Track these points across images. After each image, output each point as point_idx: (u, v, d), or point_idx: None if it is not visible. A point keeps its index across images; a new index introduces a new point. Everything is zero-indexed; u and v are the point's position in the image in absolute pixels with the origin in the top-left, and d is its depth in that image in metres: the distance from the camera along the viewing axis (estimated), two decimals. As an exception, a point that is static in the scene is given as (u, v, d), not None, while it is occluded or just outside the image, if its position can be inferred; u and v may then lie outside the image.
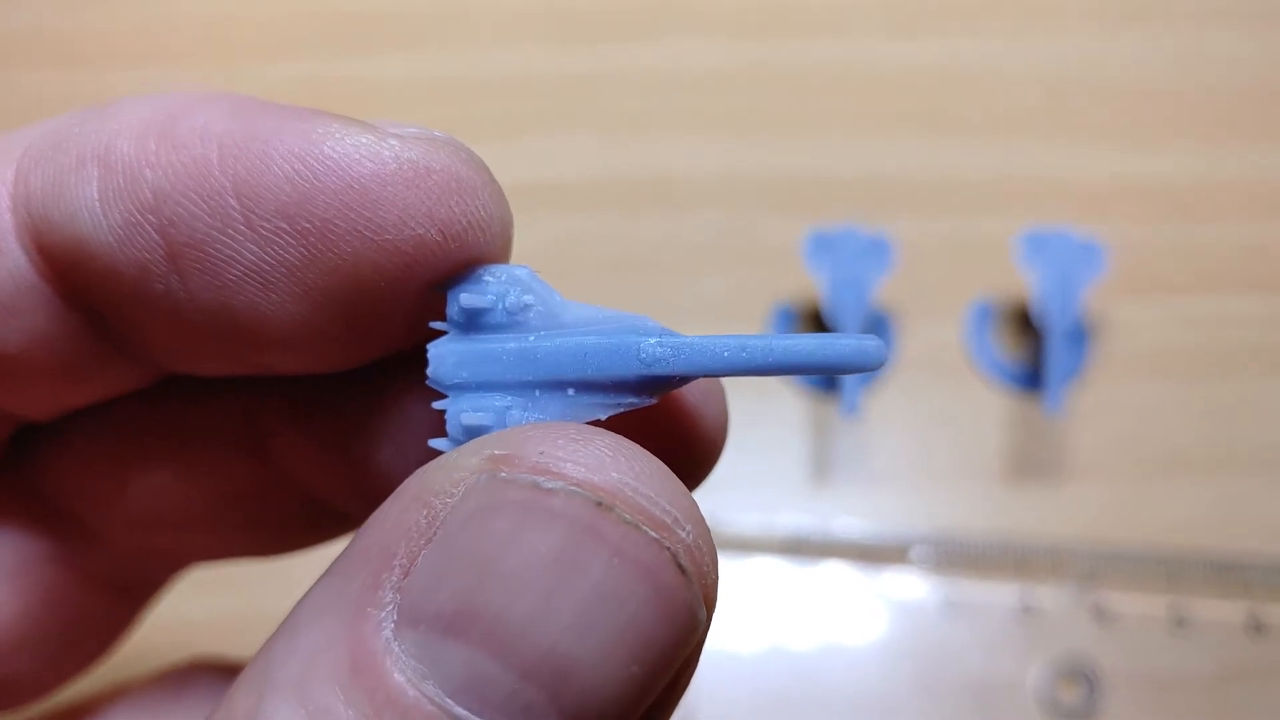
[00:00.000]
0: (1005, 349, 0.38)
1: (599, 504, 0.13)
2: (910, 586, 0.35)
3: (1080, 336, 0.38)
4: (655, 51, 0.43)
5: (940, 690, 0.34)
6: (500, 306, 0.15)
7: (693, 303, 0.39)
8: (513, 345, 0.15)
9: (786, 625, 0.34)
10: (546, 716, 0.13)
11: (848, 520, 0.36)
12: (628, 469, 0.13)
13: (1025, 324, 0.38)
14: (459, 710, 0.13)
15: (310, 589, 0.14)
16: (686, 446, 0.17)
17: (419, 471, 0.14)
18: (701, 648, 0.14)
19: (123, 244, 0.15)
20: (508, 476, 0.13)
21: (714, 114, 0.42)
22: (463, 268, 0.15)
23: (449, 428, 0.15)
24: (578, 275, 0.39)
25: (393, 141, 0.15)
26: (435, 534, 0.13)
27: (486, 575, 0.13)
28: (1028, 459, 0.37)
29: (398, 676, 0.13)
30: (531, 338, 0.15)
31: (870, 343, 0.15)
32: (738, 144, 0.41)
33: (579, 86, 0.42)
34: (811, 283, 0.37)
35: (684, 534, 0.13)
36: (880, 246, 0.36)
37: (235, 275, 0.15)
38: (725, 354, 0.15)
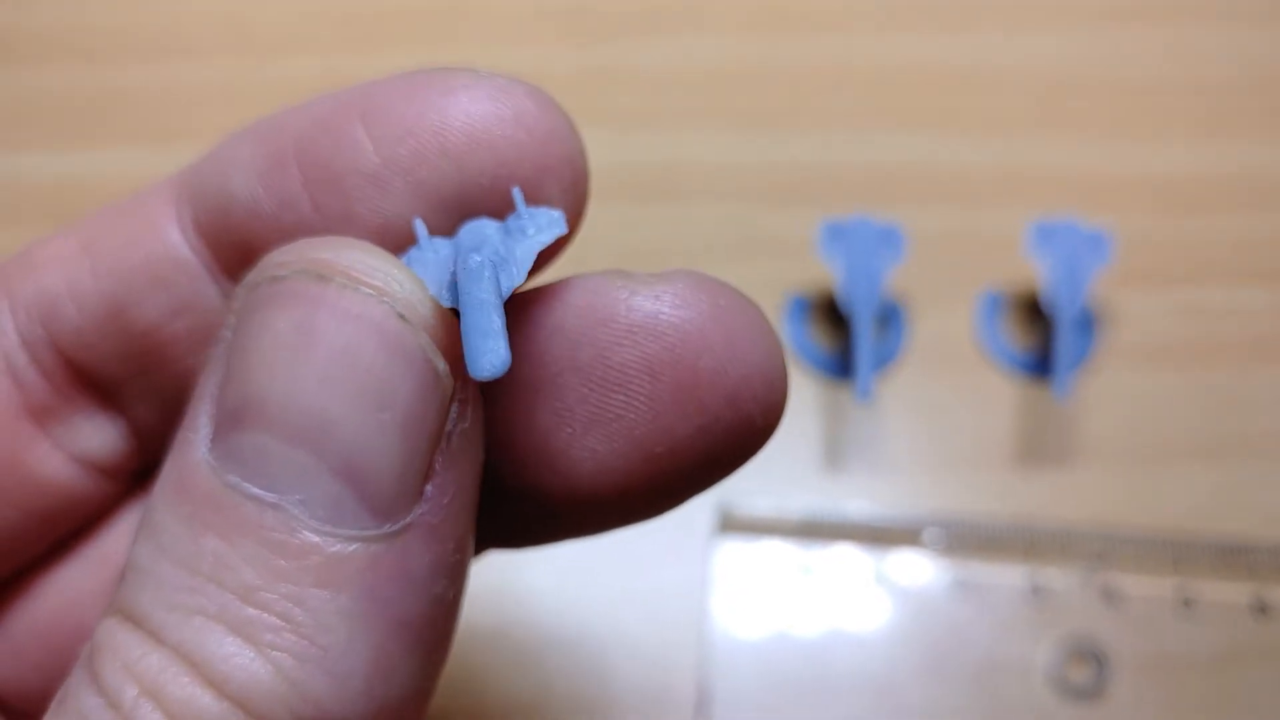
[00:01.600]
0: (1014, 337, 0.39)
1: (320, 276, 0.15)
2: (921, 569, 0.35)
3: (1088, 324, 0.39)
4: (665, 47, 0.43)
5: (950, 670, 0.34)
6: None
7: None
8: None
9: (798, 607, 0.35)
10: (319, 475, 0.14)
11: (860, 504, 0.36)
12: (347, 252, 0.15)
13: (1034, 313, 0.39)
14: (252, 489, 0.14)
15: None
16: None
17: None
18: (467, 412, 0.16)
19: (264, 184, 0.18)
20: (252, 281, 0.16)
21: (723, 108, 0.42)
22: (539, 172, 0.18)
23: None
24: (588, 267, 0.40)
25: (484, 73, 0.18)
26: (227, 353, 0.15)
27: (249, 364, 0.15)
28: (1037, 444, 0.37)
29: (206, 478, 0.15)
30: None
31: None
32: (747, 137, 0.42)
33: (589, 82, 0.43)
34: (824, 272, 0.38)
35: (399, 289, 0.15)
36: (892, 236, 0.37)
37: (356, 183, 0.17)
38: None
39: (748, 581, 0.35)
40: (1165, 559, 0.36)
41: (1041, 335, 0.39)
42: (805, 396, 0.38)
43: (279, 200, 0.17)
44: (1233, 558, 0.36)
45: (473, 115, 0.17)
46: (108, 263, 0.18)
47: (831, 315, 0.39)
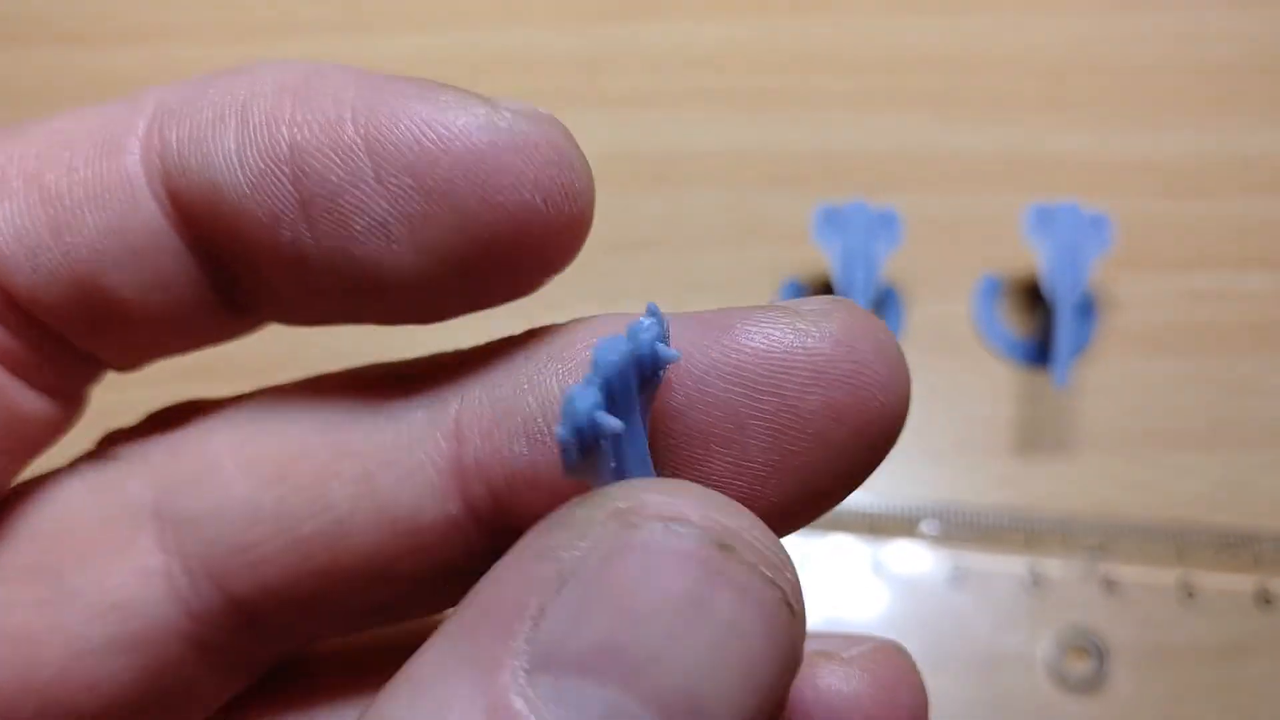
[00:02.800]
0: (1013, 323, 0.39)
1: (723, 546, 0.14)
2: (919, 559, 0.35)
3: (1088, 310, 0.38)
4: (662, 30, 0.43)
5: (948, 662, 0.34)
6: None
7: (700, 279, 0.39)
8: None
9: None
10: None
11: (857, 493, 0.36)
12: (740, 517, 0.14)
13: (1033, 298, 0.39)
14: None
15: (421, 651, 0.14)
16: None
17: (535, 531, 0.14)
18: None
19: (256, 190, 0.16)
20: (638, 523, 0.14)
21: (720, 92, 0.42)
22: (556, 234, 0.17)
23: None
24: (586, 252, 0.39)
25: (506, 114, 0.16)
26: (566, 583, 0.14)
27: (623, 616, 0.13)
28: (1036, 432, 0.37)
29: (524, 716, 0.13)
30: None
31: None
32: (744, 121, 0.41)
33: (586, 64, 0.42)
34: (820, 258, 0.37)
35: (790, 575, 0.14)
36: (889, 220, 0.37)
37: (361, 226, 0.16)
38: None
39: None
40: (1167, 549, 0.35)
41: (1041, 321, 0.38)
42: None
43: (270, 212, 0.17)
44: (1236, 548, 0.35)
45: (493, 180, 0.16)
46: (69, 219, 0.17)
47: (827, 301, 0.38)
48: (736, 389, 0.16)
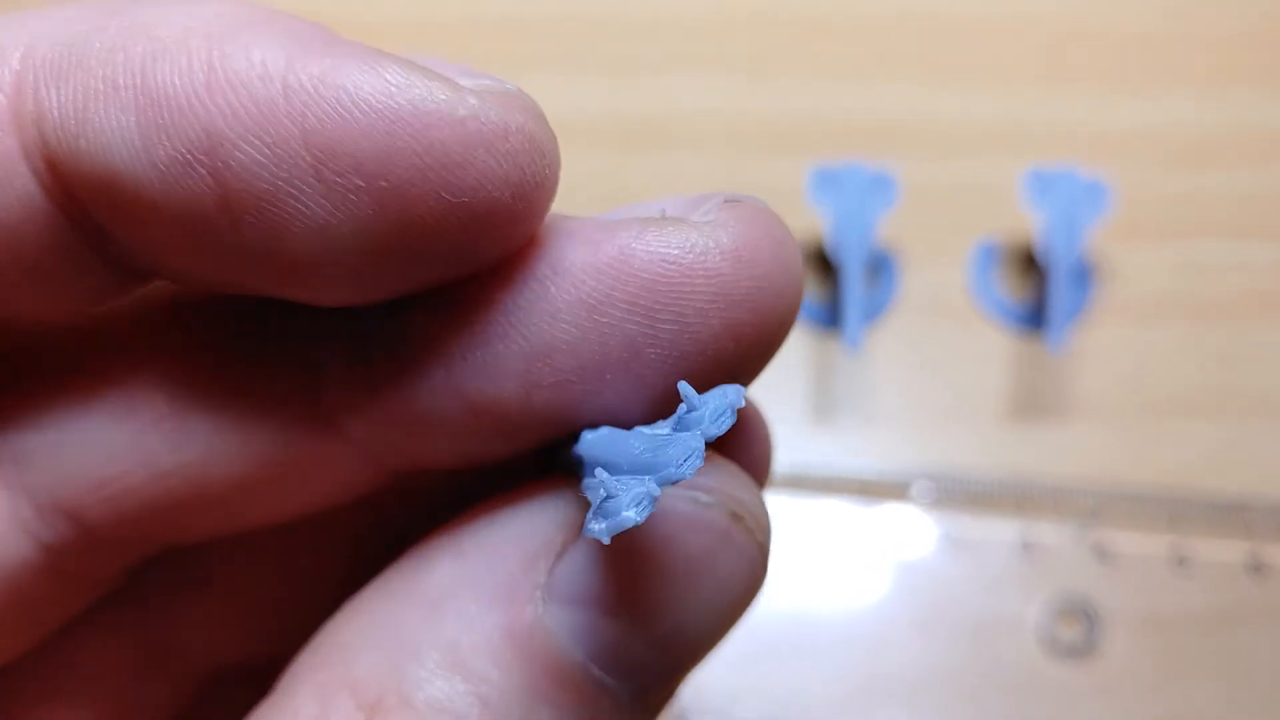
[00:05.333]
0: (1009, 288, 0.38)
1: (734, 515, 0.16)
2: (911, 524, 0.35)
3: (1084, 276, 0.38)
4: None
5: (940, 626, 0.34)
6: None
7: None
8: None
9: (787, 561, 0.34)
10: (657, 668, 0.16)
11: (848, 457, 0.36)
12: (747, 489, 0.16)
13: (1029, 264, 0.38)
14: (596, 671, 0.15)
15: (427, 568, 0.16)
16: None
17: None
18: None
19: (166, 182, 0.14)
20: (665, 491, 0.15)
21: (716, 55, 0.41)
22: (521, 221, 0.15)
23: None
24: (577, 215, 0.39)
25: (471, 100, 0.14)
26: (578, 543, 0.16)
27: (642, 569, 0.15)
28: (1030, 398, 0.37)
29: (551, 645, 0.15)
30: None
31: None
32: (740, 83, 0.41)
33: (581, 27, 0.42)
34: (815, 220, 0.37)
35: (769, 529, 0.16)
36: (884, 182, 0.36)
37: (297, 229, 0.14)
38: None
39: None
40: (1160, 516, 0.35)
41: (1036, 287, 0.38)
42: (793, 347, 0.37)
43: (186, 211, 0.14)
44: (1229, 515, 0.35)
45: (457, 179, 0.14)
46: None
47: (822, 264, 0.38)
48: (633, 318, 0.15)
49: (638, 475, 0.14)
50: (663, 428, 0.15)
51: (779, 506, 0.34)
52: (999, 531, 0.35)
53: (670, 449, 0.14)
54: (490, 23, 0.42)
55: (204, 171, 0.13)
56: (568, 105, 0.41)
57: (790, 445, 0.36)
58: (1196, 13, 0.42)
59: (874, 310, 0.37)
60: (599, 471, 0.14)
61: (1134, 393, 0.37)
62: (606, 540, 0.14)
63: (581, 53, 0.42)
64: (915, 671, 0.33)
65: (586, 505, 0.15)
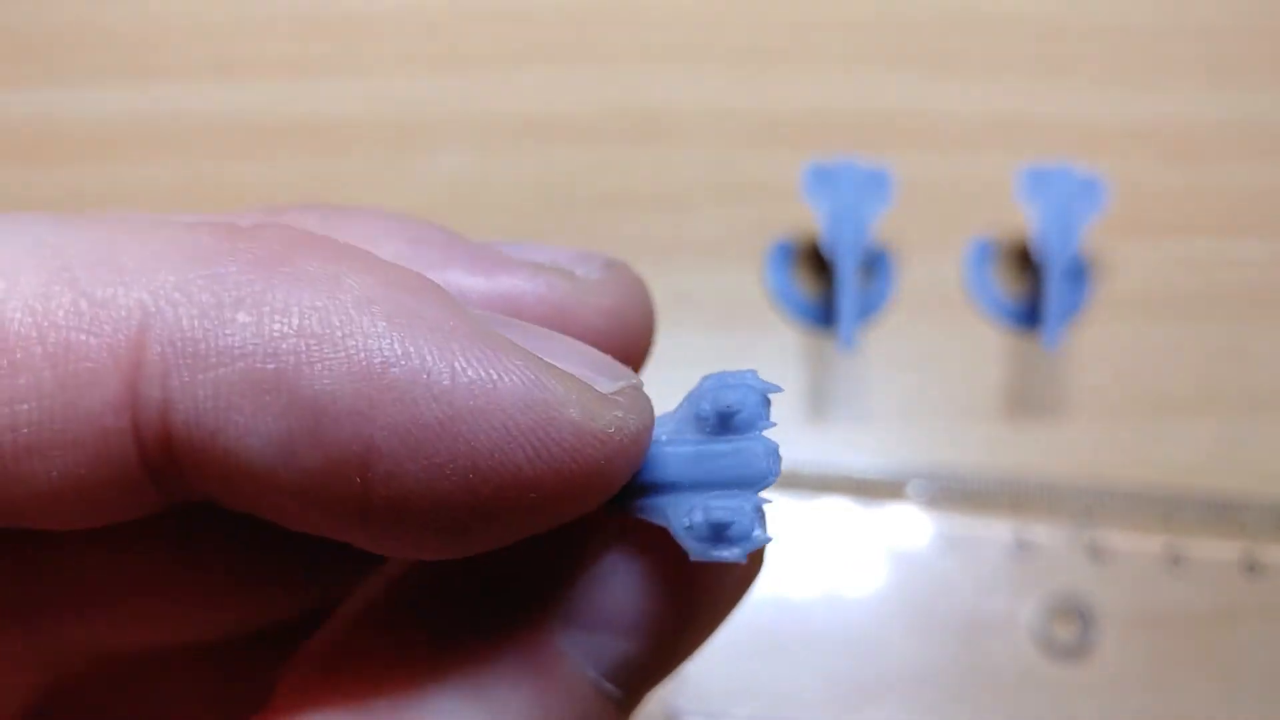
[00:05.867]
0: (1004, 286, 0.38)
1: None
2: (906, 522, 0.35)
3: (1080, 273, 0.38)
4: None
5: (933, 626, 0.33)
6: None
7: (689, 238, 0.38)
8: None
9: (780, 560, 0.34)
10: (658, 675, 0.17)
11: (843, 456, 0.36)
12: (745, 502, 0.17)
13: (1024, 261, 0.38)
14: (606, 685, 0.16)
15: (436, 604, 0.16)
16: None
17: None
18: None
19: (304, 480, 0.13)
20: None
21: (711, 49, 0.41)
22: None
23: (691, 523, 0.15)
24: (573, 210, 0.39)
25: (617, 413, 0.14)
26: (597, 565, 0.16)
27: (664, 603, 0.16)
28: (1026, 396, 0.37)
29: (567, 668, 0.16)
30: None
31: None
32: (735, 78, 0.41)
33: (576, 20, 0.42)
34: (810, 217, 0.37)
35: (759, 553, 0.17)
36: (880, 179, 0.36)
37: (428, 521, 0.14)
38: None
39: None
40: (1155, 515, 0.35)
41: (1032, 284, 0.38)
42: (788, 345, 0.37)
43: (317, 498, 0.13)
44: (1224, 515, 0.35)
45: (591, 489, 0.15)
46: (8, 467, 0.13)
47: (817, 261, 0.38)
48: None
49: (720, 490, 0.15)
50: (690, 433, 0.16)
51: (774, 506, 0.34)
52: (994, 530, 0.34)
53: (748, 457, 0.15)
54: (484, 16, 0.42)
55: (354, 478, 0.13)
56: (560, 100, 0.40)
57: (785, 443, 0.36)
58: (1193, 8, 0.42)
59: (869, 308, 0.37)
60: (693, 497, 0.15)
61: (1130, 390, 0.37)
62: (744, 560, 0.15)
63: (574, 47, 0.41)
64: (910, 670, 0.33)
65: (625, 529, 0.16)
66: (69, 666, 0.19)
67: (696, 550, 0.15)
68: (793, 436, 0.36)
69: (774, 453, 0.15)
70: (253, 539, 0.19)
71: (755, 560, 0.17)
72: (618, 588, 0.16)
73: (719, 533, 0.15)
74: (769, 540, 0.15)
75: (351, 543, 0.14)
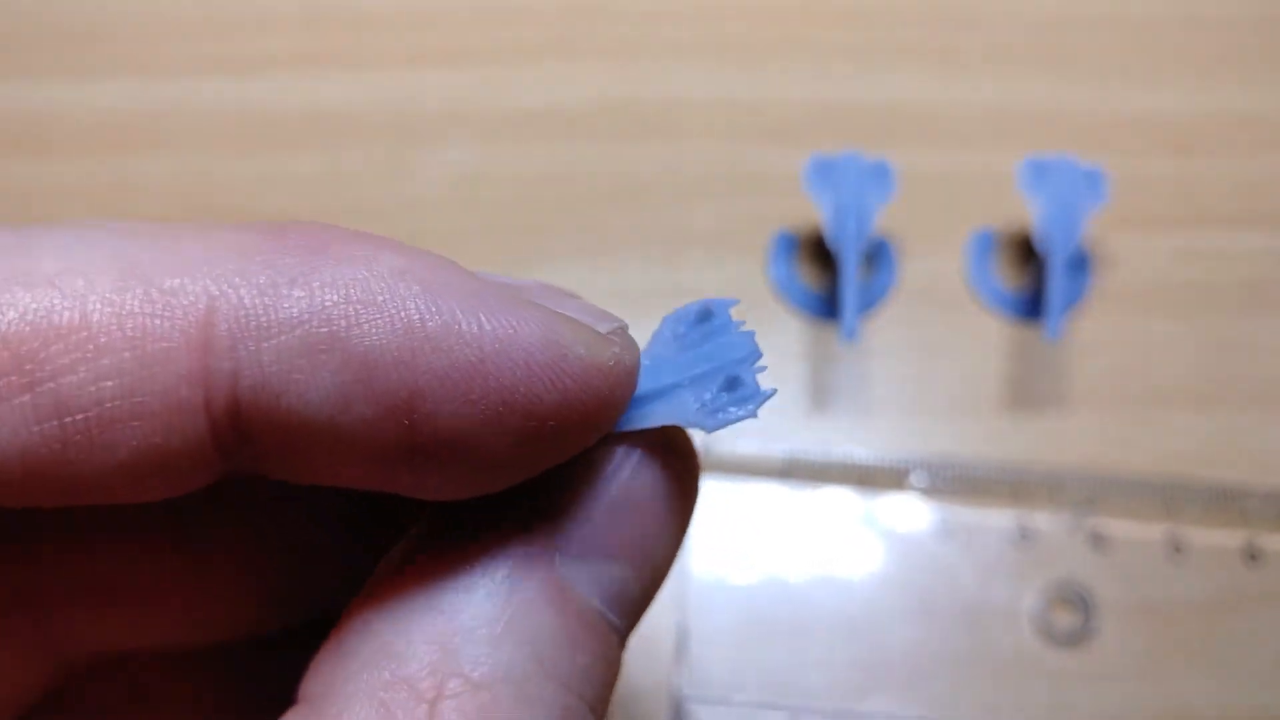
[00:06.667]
0: (1006, 277, 0.38)
1: (683, 454, 0.19)
2: (907, 512, 0.35)
3: (1081, 265, 0.38)
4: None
5: (935, 614, 0.34)
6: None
7: (693, 231, 0.39)
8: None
9: (782, 549, 0.34)
10: (643, 604, 0.18)
11: (845, 445, 0.36)
12: (688, 438, 0.19)
13: (1026, 253, 0.38)
14: (609, 614, 0.17)
15: (449, 557, 0.17)
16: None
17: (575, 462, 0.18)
18: None
19: (358, 428, 0.15)
20: (630, 445, 0.18)
21: (715, 43, 0.42)
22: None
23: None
24: (578, 205, 0.39)
25: (615, 349, 0.17)
26: (597, 495, 0.18)
27: (641, 515, 0.18)
28: (1027, 387, 0.37)
29: (576, 596, 0.17)
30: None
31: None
32: (737, 72, 0.41)
33: (579, 14, 0.42)
34: (812, 209, 0.37)
35: (698, 461, 0.19)
36: (882, 172, 0.36)
37: (468, 456, 0.16)
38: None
39: (729, 522, 0.34)
40: (1156, 504, 0.35)
41: (1034, 276, 0.38)
42: (791, 337, 0.37)
43: (366, 454, 0.15)
44: (1225, 503, 0.35)
45: (605, 415, 0.17)
46: (90, 441, 0.14)
47: (820, 254, 0.38)
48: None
49: (715, 372, 0.18)
50: (670, 341, 0.19)
51: (776, 495, 0.35)
52: (995, 519, 0.35)
53: (733, 341, 0.18)
54: (488, 10, 0.42)
55: (402, 420, 0.15)
56: (564, 93, 0.41)
57: (787, 434, 0.36)
58: (1193, 2, 0.42)
59: (872, 300, 0.38)
60: (693, 386, 0.18)
61: (1131, 381, 0.37)
62: (757, 415, 0.17)
63: (578, 40, 0.42)
64: (911, 658, 0.33)
65: (602, 460, 0.18)
66: (75, 663, 0.20)
67: (713, 421, 0.17)
68: (795, 426, 0.36)
69: (754, 337, 0.18)
70: (261, 544, 0.20)
71: (697, 480, 0.19)
72: (607, 517, 0.18)
73: (731, 395, 0.18)
74: (774, 392, 0.18)
75: (396, 490, 0.16)
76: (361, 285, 0.15)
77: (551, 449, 0.16)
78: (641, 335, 0.18)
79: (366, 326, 0.15)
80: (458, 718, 0.15)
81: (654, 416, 0.18)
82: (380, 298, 0.15)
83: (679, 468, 0.18)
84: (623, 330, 0.17)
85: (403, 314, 0.15)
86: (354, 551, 0.21)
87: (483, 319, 0.15)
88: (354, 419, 0.15)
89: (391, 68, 0.41)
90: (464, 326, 0.15)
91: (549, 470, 0.17)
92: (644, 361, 0.18)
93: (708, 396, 0.18)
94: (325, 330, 0.15)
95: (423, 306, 0.15)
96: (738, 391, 0.18)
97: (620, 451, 0.18)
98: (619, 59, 0.41)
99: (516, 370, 0.15)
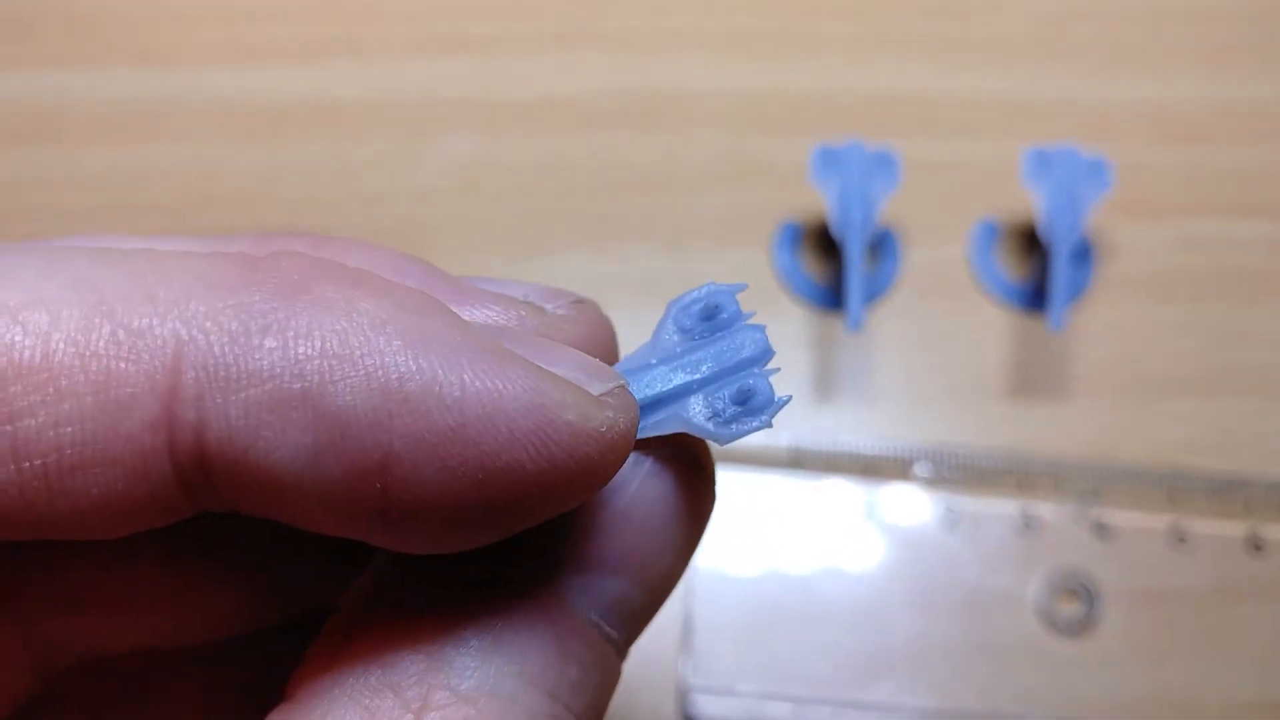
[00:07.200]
0: (1010, 267, 0.38)
1: (701, 467, 0.18)
2: (912, 501, 0.35)
3: (1085, 254, 0.38)
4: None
5: (938, 603, 0.34)
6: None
7: (697, 220, 0.39)
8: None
9: (787, 539, 0.34)
10: (646, 614, 0.18)
11: (850, 435, 0.36)
12: (702, 444, 0.18)
13: (1030, 242, 0.38)
14: (605, 627, 0.17)
15: (430, 558, 0.16)
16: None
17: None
18: None
19: (329, 486, 0.14)
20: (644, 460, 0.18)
21: (720, 33, 0.42)
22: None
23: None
24: (582, 194, 0.39)
25: (609, 413, 0.16)
26: (602, 507, 0.17)
27: (647, 529, 0.18)
28: (1031, 376, 0.37)
29: (570, 609, 0.17)
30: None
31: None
32: (742, 62, 0.41)
33: (584, 4, 0.42)
34: (817, 199, 0.37)
35: (714, 468, 0.19)
36: (887, 161, 0.36)
37: (442, 517, 0.15)
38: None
39: (734, 512, 0.34)
40: (1159, 494, 0.35)
41: (1037, 265, 0.38)
42: (795, 327, 0.37)
43: (336, 515, 0.15)
44: (1228, 493, 0.35)
45: (595, 480, 0.16)
46: (53, 486, 0.14)
47: (825, 244, 0.38)
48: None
49: (727, 377, 0.17)
50: (675, 343, 0.18)
51: (781, 485, 0.35)
52: (999, 508, 0.35)
53: (746, 340, 0.17)
54: (490, 2, 0.42)
55: (374, 484, 0.14)
56: (568, 84, 0.41)
57: (792, 424, 0.36)
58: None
59: (876, 289, 0.38)
60: (703, 392, 0.17)
61: (1134, 371, 0.37)
62: (772, 425, 0.17)
63: (583, 31, 0.42)
64: (915, 646, 0.33)
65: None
66: (61, 666, 0.20)
67: (725, 433, 0.17)
68: (800, 416, 0.36)
69: (764, 332, 0.17)
70: (249, 544, 0.20)
71: (712, 492, 0.19)
72: (609, 531, 0.17)
73: (745, 405, 0.17)
74: (789, 399, 0.17)
75: (371, 543, 0.15)
76: (339, 338, 0.14)
77: (537, 512, 0.16)
78: (646, 325, 0.18)
79: (341, 385, 0.14)
80: None
81: (665, 425, 0.17)
82: (358, 353, 0.14)
83: (692, 480, 0.18)
84: (620, 390, 0.16)
85: (380, 373, 0.14)
86: (348, 547, 0.20)
87: (465, 379, 0.14)
88: (324, 478, 0.14)
89: (397, 58, 0.41)
90: (445, 389, 0.14)
91: None
92: (650, 360, 0.18)
93: (720, 405, 0.17)
94: (297, 386, 0.14)
95: (402, 364, 0.14)
96: (751, 401, 0.17)
97: (630, 461, 0.17)
98: (624, 49, 0.41)
99: (499, 437, 0.14)
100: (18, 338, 0.14)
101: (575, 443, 0.15)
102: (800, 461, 0.35)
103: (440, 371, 0.14)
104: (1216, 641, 0.34)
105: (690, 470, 0.18)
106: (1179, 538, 0.34)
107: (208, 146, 0.40)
